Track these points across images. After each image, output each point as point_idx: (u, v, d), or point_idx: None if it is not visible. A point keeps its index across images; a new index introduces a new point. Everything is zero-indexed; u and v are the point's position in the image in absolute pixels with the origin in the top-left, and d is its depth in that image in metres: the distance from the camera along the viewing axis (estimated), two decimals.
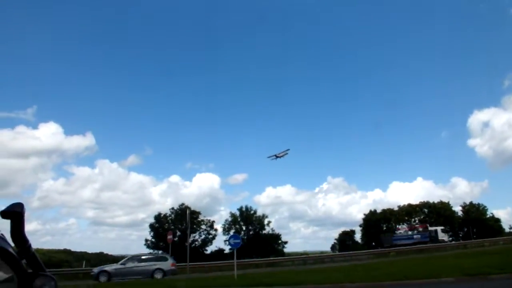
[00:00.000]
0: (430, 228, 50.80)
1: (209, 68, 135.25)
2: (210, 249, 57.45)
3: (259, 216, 60.74)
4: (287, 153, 58.58)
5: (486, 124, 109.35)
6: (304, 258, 39.85)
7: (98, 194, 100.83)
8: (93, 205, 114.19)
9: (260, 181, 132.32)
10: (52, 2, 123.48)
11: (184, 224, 50.91)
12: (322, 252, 56.15)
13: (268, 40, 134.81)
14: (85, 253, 60.65)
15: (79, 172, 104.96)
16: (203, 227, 58.39)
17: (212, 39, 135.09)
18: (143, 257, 27.11)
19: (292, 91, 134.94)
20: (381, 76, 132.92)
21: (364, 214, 66.47)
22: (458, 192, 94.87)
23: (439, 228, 50.72)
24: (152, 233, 56.77)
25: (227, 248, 53.03)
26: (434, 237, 48.14)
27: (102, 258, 56.74)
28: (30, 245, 1.79)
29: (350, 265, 26.94)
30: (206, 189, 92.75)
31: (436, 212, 62.44)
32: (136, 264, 25.61)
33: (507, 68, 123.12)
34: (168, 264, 25.95)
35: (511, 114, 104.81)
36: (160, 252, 45.70)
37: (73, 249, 62.11)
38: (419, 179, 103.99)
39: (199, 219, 57.81)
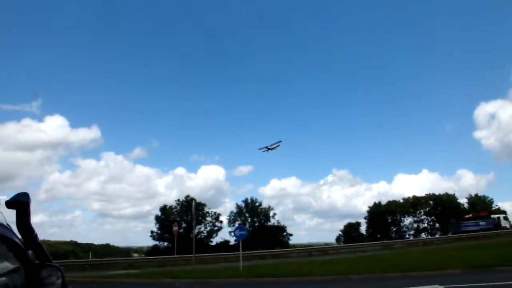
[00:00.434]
0: (493, 216, 51.54)
1: (215, 60, 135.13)
2: (215, 240, 57.72)
3: (265, 208, 60.82)
4: (279, 145, 57.33)
5: (492, 116, 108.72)
6: (309, 250, 39.91)
7: (104, 186, 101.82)
8: (99, 197, 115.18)
9: (265, 173, 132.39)
10: None
11: (190, 216, 51.22)
12: (326, 244, 56.18)
13: (272, 31, 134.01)
14: (92, 244, 61.10)
15: (85, 164, 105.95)
16: (209, 218, 58.63)
17: (216, 32, 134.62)
18: None
19: (296, 83, 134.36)
20: (387, 68, 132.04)
21: (369, 206, 66.44)
22: (463, 184, 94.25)
23: (501, 216, 51.39)
24: (157, 225, 57.11)
25: (232, 240, 53.40)
26: (497, 224, 48.95)
27: (108, 250, 57.39)
28: (36, 236, 1.78)
29: (356, 257, 27.01)
30: (211, 181, 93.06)
31: (441, 204, 62.25)
32: None
33: None
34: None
35: None
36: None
37: (79, 240, 62.62)
38: (425, 171, 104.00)
39: (204, 211, 58.10)
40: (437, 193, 64.77)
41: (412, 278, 14.75)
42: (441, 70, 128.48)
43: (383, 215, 63.26)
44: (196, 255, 31.22)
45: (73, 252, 49.25)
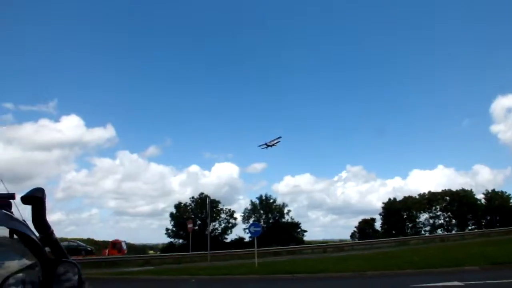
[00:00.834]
0: None
1: (229, 57, 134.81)
2: (230, 237, 58.16)
3: (279, 205, 60.90)
4: (279, 141, 57.27)
5: (509, 110, 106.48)
6: (324, 247, 39.84)
7: (119, 184, 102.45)
8: (115, 195, 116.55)
9: (279, 170, 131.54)
10: None
11: (204, 213, 51.58)
12: (341, 241, 55.89)
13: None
14: (108, 242, 61.85)
15: (101, 163, 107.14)
16: (223, 215, 58.99)
17: (231, 27, 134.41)
18: None
19: (309, 79, 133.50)
20: (402, 63, 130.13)
21: (384, 203, 65.88)
22: (480, 180, 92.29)
23: None
24: (172, 222, 57.74)
25: (247, 237, 53.61)
26: None
27: None
28: (52, 231, 1.79)
29: (371, 253, 26.82)
30: (225, 179, 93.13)
31: (458, 200, 61.42)
32: None
33: None
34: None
35: None
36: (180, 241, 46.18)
37: (96, 238, 63.40)
38: (440, 166, 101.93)
39: (218, 208, 58.43)
40: (453, 189, 63.90)
41: (429, 274, 14.59)
42: (457, 64, 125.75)
43: (399, 211, 62.69)
44: (211, 252, 31.38)
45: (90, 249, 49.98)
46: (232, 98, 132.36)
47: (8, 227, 1.56)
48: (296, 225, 59.96)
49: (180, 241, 54.51)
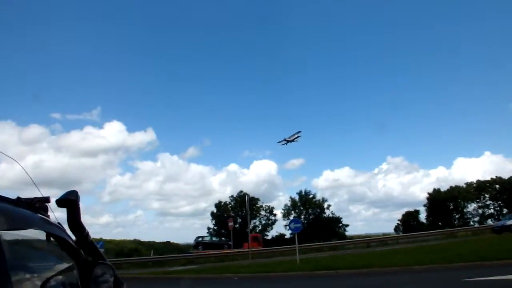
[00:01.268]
0: None
1: (266, 53, 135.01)
2: (270, 234, 58.26)
3: (319, 200, 60.28)
4: (299, 136, 56.02)
5: None
6: (367, 241, 39.00)
7: (161, 186, 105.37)
8: (158, 197, 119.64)
9: (317, 165, 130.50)
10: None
11: (244, 211, 51.90)
12: (384, 234, 54.42)
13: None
14: (154, 242, 63.68)
15: (143, 166, 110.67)
16: (263, 213, 59.26)
17: (266, 20, 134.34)
18: None
19: (346, 71, 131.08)
20: (444, 49, 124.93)
21: (428, 193, 63.50)
22: None
23: None
24: (213, 221, 58.72)
25: (288, 233, 53.45)
26: None
27: (169, 247, 59.47)
28: (87, 233, 1.81)
29: (417, 247, 25.94)
30: (264, 176, 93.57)
31: (509, 188, 58.13)
32: None
33: None
34: None
35: None
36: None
37: (142, 239, 65.46)
38: (487, 153, 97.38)
39: (258, 205, 58.65)
40: (503, 177, 60.56)
41: (482, 268, 13.81)
42: (504, 44, 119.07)
43: (444, 202, 60.23)
44: (252, 249, 31.54)
45: (137, 250, 51.63)
46: (268, 95, 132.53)
47: (45, 231, 1.58)
48: (337, 220, 59.12)
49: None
